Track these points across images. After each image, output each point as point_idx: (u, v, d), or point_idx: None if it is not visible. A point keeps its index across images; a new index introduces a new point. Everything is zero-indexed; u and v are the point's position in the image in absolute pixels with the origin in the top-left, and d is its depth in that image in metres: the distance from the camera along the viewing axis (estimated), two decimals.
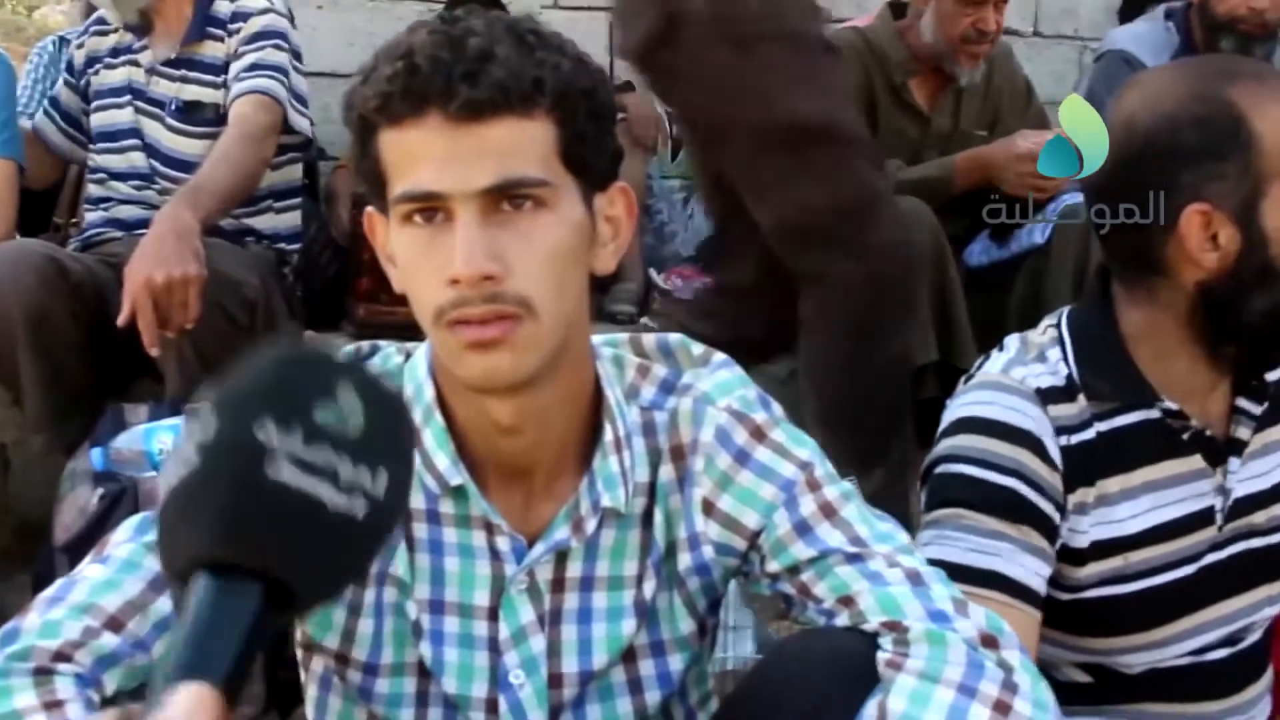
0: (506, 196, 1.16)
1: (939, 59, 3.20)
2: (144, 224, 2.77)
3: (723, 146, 2.40)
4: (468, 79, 1.13)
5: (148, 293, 2.26)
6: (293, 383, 0.77)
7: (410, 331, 1.29)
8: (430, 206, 1.17)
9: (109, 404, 2.44)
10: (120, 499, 2.17)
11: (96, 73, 2.98)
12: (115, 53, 2.96)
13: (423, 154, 1.15)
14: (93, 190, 2.99)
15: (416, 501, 1.30)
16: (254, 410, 0.74)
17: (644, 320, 3.71)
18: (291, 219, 3.03)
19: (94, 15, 3.06)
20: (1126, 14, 4.38)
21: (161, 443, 2.24)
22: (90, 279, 2.54)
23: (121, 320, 2.28)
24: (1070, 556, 1.55)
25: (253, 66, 2.81)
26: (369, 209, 1.27)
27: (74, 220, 3.21)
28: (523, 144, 1.16)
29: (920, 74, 3.25)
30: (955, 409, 1.59)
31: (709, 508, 1.31)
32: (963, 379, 1.65)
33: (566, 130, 1.18)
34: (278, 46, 2.85)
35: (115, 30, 2.97)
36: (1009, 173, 3.03)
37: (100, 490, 2.20)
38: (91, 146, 2.98)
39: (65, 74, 3.07)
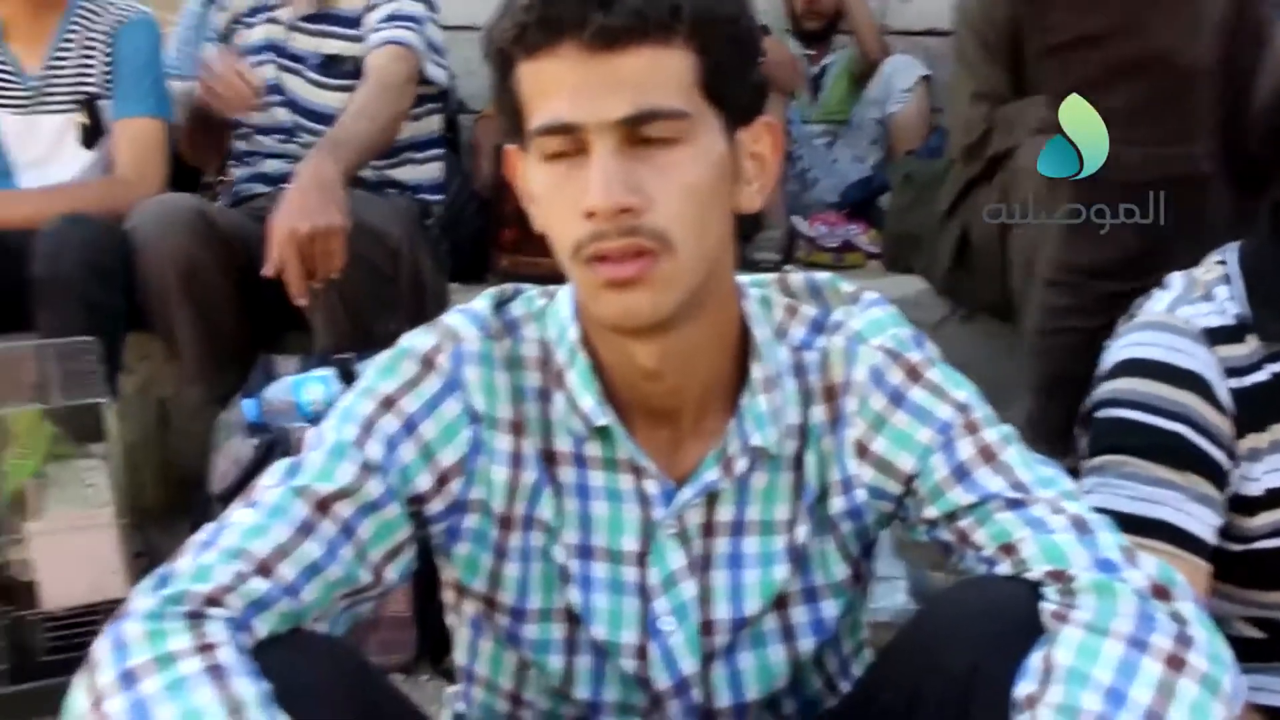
0: (644, 128, 1.13)
1: None
2: (288, 177, 2.80)
3: (1079, 73, 2.21)
4: (603, 6, 1.10)
5: (293, 244, 2.28)
6: None
7: (554, 281, 1.27)
8: (567, 140, 1.14)
9: (261, 356, 2.48)
10: (272, 448, 2.20)
11: (237, 32, 3.00)
12: (254, 12, 2.98)
13: (558, 85, 1.13)
14: (238, 146, 3.02)
15: (562, 444, 1.29)
16: None
17: (788, 268, 3.67)
18: (432, 170, 3.04)
19: None
20: None
21: (310, 393, 2.27)
22: (239, 233, 2.57)
23: (267, 271, 2.30)
24: (1242, 505, 1.49)
25: (388, 17, 2.81)
26: (509, 146, 1.25)
27: (221, 179, 3.25)
28: (660, 73, 1.13)
29: None
30: (1117, 350, 1.53)
31: (862, 450, 1.27)
32: (1123, 319, 1.59)
33: (707, 60, 1.14)
34: None
35: None
36: None
37: (253, 440, 2.23)
38: None
39: (210, 36, 3.10)
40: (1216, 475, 1.45)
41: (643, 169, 1.13)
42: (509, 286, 1.35)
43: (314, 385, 2.27)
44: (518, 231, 3.36)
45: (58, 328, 2.34)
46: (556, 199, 1.17)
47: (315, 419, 2.25)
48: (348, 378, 2.26)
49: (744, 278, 1.32)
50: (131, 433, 2.65)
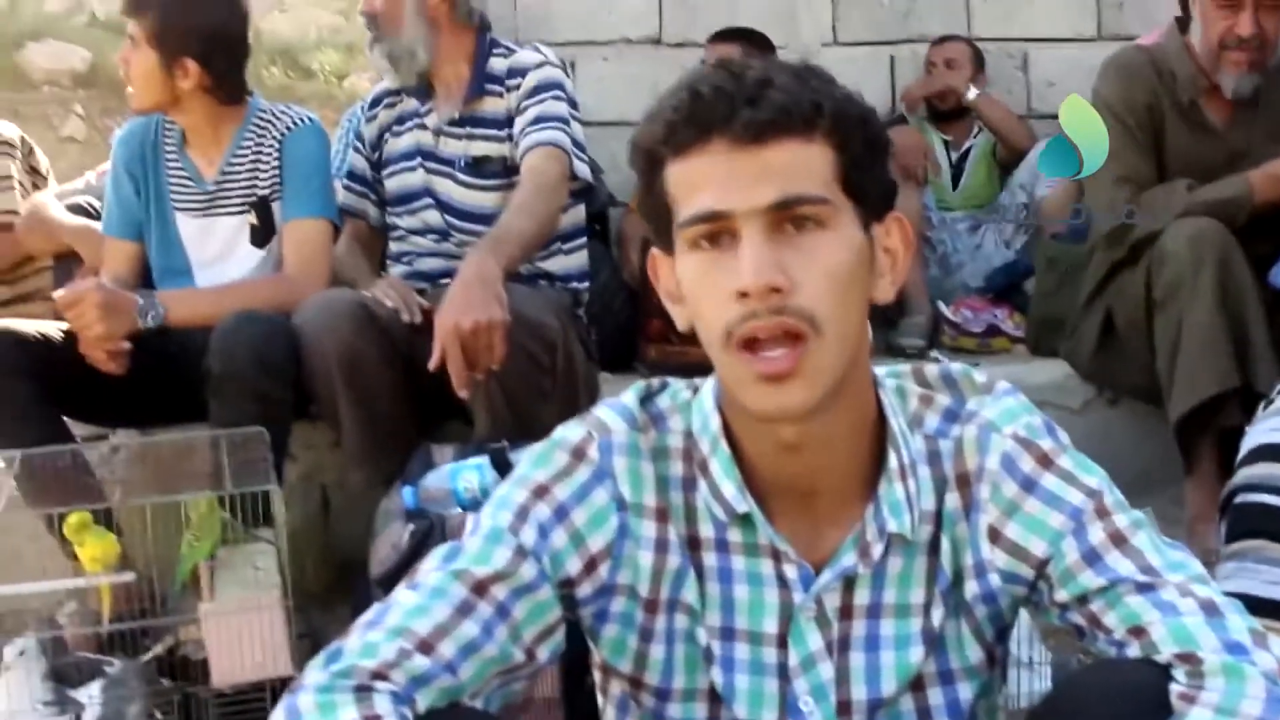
0: (789, 215, 1.20)
1: (1211, 70, 3.07)
2: (445, 274, 2.92)
3: None
4: (750, 103, 1.19)
5: (456, 338, 2.37)
6: None
7: (700, 371, 1.34)
8: (716, 229, 1.22)
9: (420, 444, 2.57)
10: (429, 535, 2.27)
11: (386, 142, 3.13)
12: (401, 120, 3.11)
13: (707, 178, 1.21)
14: (394, 247, 3.15)
15: (705, 530, 1.34)
16: None
17: (933, 353, 3.68)
18: (579, 259, 3.13)
19: (378, 88, 3.22)
20: None
21: (466, 481, 2.34)
22: (398, 324, 2.68)
23: (432, 365, 2.40)
24: None
25: (537, 120, 2.90)
26: (654, 250, 1.33)
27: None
28: (803, 165, 1.20)
29: (1211, 89, 3.10)
30: (1255, 436, 1.54)
31: (995, 535, 1.31)
32: (1262, 405, 1.60)
33: (844, 155, 1.22)
34: (557, 98, 2.94)
35: (400, 100, 3.12)
36: None
37: (411, 526, 2.30)
38: (390, 209, 3.14)
39: (355, 141, 3.24)
40: None
41: (789, 253, 1.20)
42: (656, 380, 1.42)
43: (469, 473, 2.34)
44: (665, 322, 3.42)
45: (230, 419, 2.48)
46: (706, 285, 1.24)
47: (470, 506, 2.33)
48: (501, 466, 2.34)
49: (880, 369, 1.37)
50: (295, 518, 2.76)
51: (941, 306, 3.96)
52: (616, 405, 1.38)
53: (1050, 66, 4.64)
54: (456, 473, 2.37)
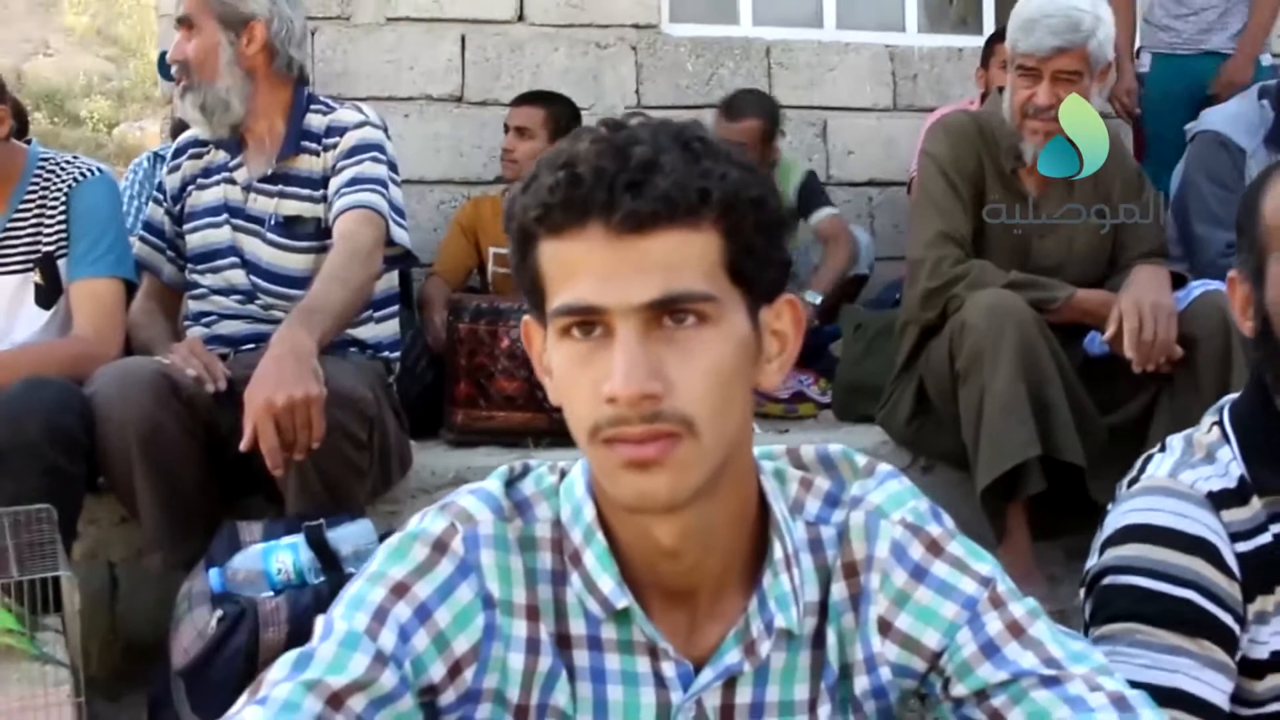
0: (668, 311, 1.12)
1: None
2: (249, 339, 2.77)
3: None
4: (631, 189, 1.10)
5: (269, 415, 2.22)
6: None
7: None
8: (589, 320, 1.13)
9: (224, 522, 2.41)
10: (240, 621, 2.12)
11: (190, 194, 2.96)
12: (208, 173, 2.94)
13: (583, 266, 1.12)
14: (194, 306, 2.96)
15: (576, 628, 1.25)
16: None
17: None
18: (391, 327, 3.00)
19: (184, 137, 3.05)
20: None
21: (279, 562, 2.20)
22: (201, 394, 2.51)
23: (243, 446, 2.24)
24: (1249, 669, 1.48)
25: (352, 181, 2.77)
26: (526, 318, 1.24)
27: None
28: (687, 257, 1.12)
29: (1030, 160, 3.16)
30: (1121, 516, 1.52)
31: (886, 627, 1.25)
32: (1124, 483, 1.59)
33: (733, 242, 1.14)
34: (375, 159, 2.82)
35: (208, 151, 2.96)
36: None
37: (219, 612, 2.14)
38: (191, 267, 2.96)
39: (156, 193, 3.06)
40: (1228, 641, 1.44)
41: (666, 352, 1.12)
42: (517, 464, 1.32)
43: (283, 554, 2.20)
44: (472, 386, 3.34)
45: (14, 494, 2.26)
46: (576, 378, 1.15)
47: (283, 589, 2.19)
48: (317, 545, 2.20)
49: (754, 449, 1.30)
50: (79, 599, 2.56)
51: None
52: (480, 492, 1.28)
53: (848, 134, 4.73)
54: (269, 553, 2.22)
